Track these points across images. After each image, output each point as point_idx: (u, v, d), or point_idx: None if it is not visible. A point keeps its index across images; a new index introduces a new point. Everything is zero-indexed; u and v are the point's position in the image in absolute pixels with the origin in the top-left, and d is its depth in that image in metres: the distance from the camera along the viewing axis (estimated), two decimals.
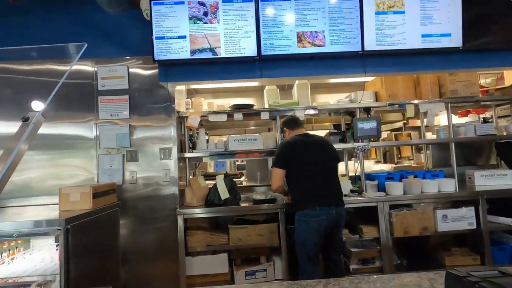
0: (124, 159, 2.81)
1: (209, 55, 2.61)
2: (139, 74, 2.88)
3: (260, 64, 2.72)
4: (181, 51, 2.60)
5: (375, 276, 1.16)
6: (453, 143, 2.99)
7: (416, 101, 3.01)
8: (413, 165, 4.48)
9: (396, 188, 2.75)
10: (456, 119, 3.83)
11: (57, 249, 2.16)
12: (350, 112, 3.30)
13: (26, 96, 2.70)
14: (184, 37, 2.60)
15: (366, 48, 2.64)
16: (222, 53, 2.61)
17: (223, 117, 2.95)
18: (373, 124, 2.86)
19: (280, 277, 2.63)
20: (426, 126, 3.42)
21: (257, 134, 3.01)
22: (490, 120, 3.45)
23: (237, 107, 3.00)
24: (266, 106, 3.18)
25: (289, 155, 2.29)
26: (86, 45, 1.08)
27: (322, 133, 3.68)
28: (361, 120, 2.89)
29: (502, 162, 3.38)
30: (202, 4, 2.60)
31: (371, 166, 4.56)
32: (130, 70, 2.87)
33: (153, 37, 2.60)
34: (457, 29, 2.66)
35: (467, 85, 2.99)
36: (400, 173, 3.01)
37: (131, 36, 2.87)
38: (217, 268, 2.64)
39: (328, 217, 2.16)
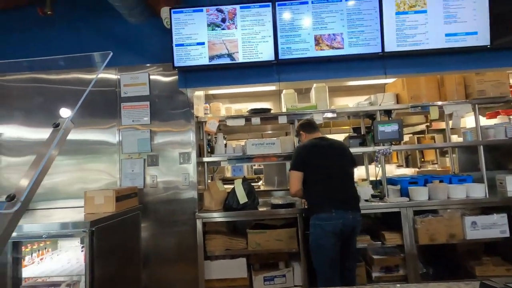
0: (145, 164, 2.88)
1: (227, 61, 2.65)
2: (159, 81, 2.96)
3: (278, 68, 2.72)
4: (199, 57, 2.65)
5: (400, 285, 1.12)
6: (481, 146, 2.84)
7: (440, 103, 2.90)
8: (437, 169, 4.29)
9: (420, 193, 2.64)
10: (484, 121, 3.64)
11: (82, 251, 2.24)
12: (370, 115, 3.23)
13: (54, 104, 2.84)
14: (203, 43, 2.65)
15: (387, 49, 2.57)
16: (240, 58, 2.64)
17: (241, 122, 2.97)
18: (394, 127, 2.78)
19: (299, 283, 2.58)
20: (451, 128, 3.27)
21: (275, 138, 3.00)
22: None
23: (255, 112, 3.01)
24: (284, 110, 3.16)
25: (306, 158, 2.27)
26: (111, 53, 1.12)
27: (340, 136, 3.62)
28: (381, 123, 2.81)
29: None
30: (220, 11, 2.64)
31: (392, 170, 4.41)
32: (151, 77, 2.96)
33: (173, 45, 2.66)
34: (484, 27, 2.54)
35: (496, 85, 2.84)
36: (424, 177, 2.89)
37: (152, 44, 2.97)
38: (235, 273, 2.64)
39: (344, 221, 2.11)
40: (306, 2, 2.61)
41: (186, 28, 2.66)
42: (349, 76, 2.75)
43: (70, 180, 2.89)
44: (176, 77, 2.87)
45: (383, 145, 2.84)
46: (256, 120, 2.97)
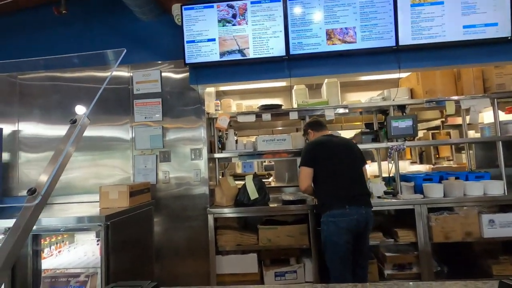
0: (157, 160, 2.93)
1: (237, 57, 2.64)
2: (171, 78, 2.99)
3: (289, 64, 2.70)
4: (210, 53, 2.66)
5: (414, 282, 1.10)
6: (500, 142, 2.74)
7: (456, 97, 2.81)
8: (453, 166, 4.18)
9: (435, 190, 2.58)
10: (503, 116, 3.51)
11: (98, 244, 2.30)
12: (383, 111, 3.16)
13: (70, 102, 2.92)
14: (214, 40, 2.65)
15: (401, 42, 2.51)
16: (251, 54, 2.63)
17: (252, 118, 2.97)
18: (408, 123, 2.72)
19: (311, 279, 2.58)
20: (468, 124, 3.17)
21: (286, 135, 2.99)
22: None
23: (266, 108, 3.00)
24: (295, 106, 3.14)
25: (316, 154, 2.25)
26: (125, 50, 1.14)
27: (352, 132, 3.57)
28: (395, 118, 2.75)
29: None
30: (231, 6, 2.63)
31: (406, 167, 4.33)
32: (163, 74, 2.99)
33: (184, 41, 2.68)
34: (505, 18, 2.44)
35: None
36: (439, 174, 2.82)
37: (163, 41, 2.99)
38: (246, 268, 2.66)
39: (358, 217, 2.10)
40: None
41: (197, 25, 2.67)
42: (362, 71, 2.70)
43: (86, 176, 2.96)
44: (187, 74, 2.89)
45: (397, 141, 2.79)
46: (266, 116, 2.96)
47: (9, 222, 2.03)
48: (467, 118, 3.01)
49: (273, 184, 3.93)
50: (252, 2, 2.62)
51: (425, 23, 2.50)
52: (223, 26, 2.64)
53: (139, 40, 3.05)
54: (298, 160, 3.17)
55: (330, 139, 2.34)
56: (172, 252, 2.86)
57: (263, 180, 3.03)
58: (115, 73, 3.02)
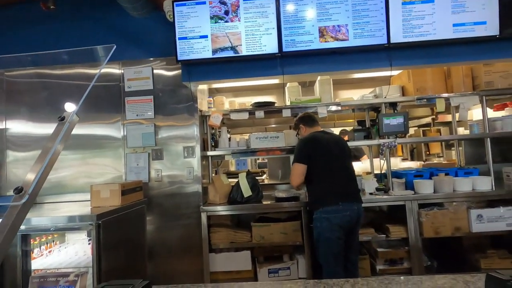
0: (149, 158, 2.90)
1: (230, 54, 2.63)
2: (163, 75, 2.96)
3: (282, 61, 2.69)
4: (203, 50, 2.64)
5: (405, 277, 1.12)
6: (488, 139, 2.80)
7: (446, 95, 2.85)
8: (443, 162, 4.25)
9: (426, 186, 2.62)
10: (491, 113, 3.58)
11: (89, 243, 2.27)
12: (375, 108, 3.19)
13: (59, 99, 2.86)
14: (206, 36, 2.63)
15: (392, 40, 2.53)
16: (243, 51, 2.61)
17: (245, 115, 2.96)
18: (400, 120, 2.75)
19: (304, 276, 2.60)
20: (458, 121, 3.23)
21: (279, 132, 2.99)
22: None
23: (259, 105, 2.99)
24: (288, 103, 3.14)
25: (311, 151, 2.25)
26: (115, 46, 1.12)
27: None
28: (387, 115, 2.78)
29: None
30: (223, 3, 2.61)
31: (397, 163, 4.38)
32: (154, 71, 2.96)
33: (176, 38, 2.65)
34: (493, 16, 2.48)
35: (505, 76, 2.79)
36: (429, 170, 2.87)
37: (155, 38, 2.95)
38: (240, 265, 2.66)
39: (351, 213, 2.14)
40: None
41: (189, 21, 2.64)
42: (354, 68, 2.71)
43: (76, 174, 2.92)
44: (179, 71, 2.86)
45: (388, 138, 2.82)
46: (259, 114, 2.96)
47: None
48: (457, 115, 3.06)
49: (266, 182, 3.94)
50: None
51: (416, 21, 2.52)
52: (215, 22, 2.62)
53: (130, 37, 3.01)
54: (291, 157, 3.19)
55: (323, 135, 2.35)
56: (165, 250, 2.85)
57: (257, 177, 3.03)
58: (106, 70, 2.97)
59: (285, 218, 2.73)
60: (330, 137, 2.38)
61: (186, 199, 2.86)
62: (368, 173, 3.26)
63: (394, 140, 2.81)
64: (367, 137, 3.00)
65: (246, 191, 2.69)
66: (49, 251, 2.36)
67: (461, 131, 3.85)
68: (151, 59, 2.97)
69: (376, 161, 3.30)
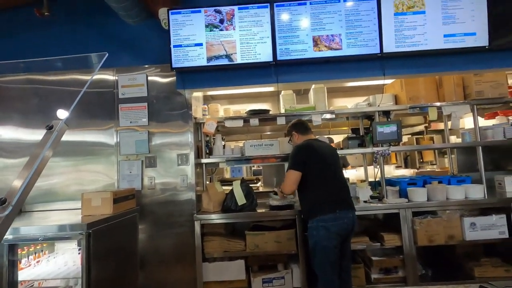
0: (143, 165, 2.87)
1: (225, 62, 2.64)
2: (157, 82, 2.95)
3: (276, 69, 2.71)
4: (197, 58, 2.64)
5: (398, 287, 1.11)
6: (480, 147, 2.84)
7: (439, 104, 2.89)
8: (436, 170, 4.29)
9: (419, 194, 2.63)
10: (482, 122, 3.64)
11: (79, 253, 2.22)
12: (369, 116, 3.22)
13: (52, 105, 2.81)
14: (201, 44, 2.64)
15: (385, 50, 2.57)
16: (238, 59, 2.63)
17: (239, 123, 2.96)
18: (393, 128, 2.77)
19: (298, 285, 2.57)
20: (450, 129, 3.27)
21: (273, 139, 2.99)
22: None
23: (253, 113, 2.99)
24: (282, 111, 3.16)
25: (306, 158, 2.24)
26: (107, 54, 1.11)
27: (339, 137, 3.61)
28: (380, 124, 2.80)
29: None
30: (218, 11, 2.63)
31: (391, 171, 4.41)
32: (149, 78, 2.95)
33: (171, 46, 2.65)
34: (482, 28, 2.54)
35: (494, 85, 2.84)
36: (423, 178, 2.88)
37: (150, 45, 2.96)
38: (234, 275, 2.62)
39: (347, 220, 2.14)
40: (304, 3, 2.61)
41: (184, 29, 2.65)
42: (348, 77, 2.74)
43: (67, 182, 2.87)
44: (174, 78, 2.85)
45: (382, 146, 2.84)
46: (254, 121, 2.96)
47: None
48: (449, 123, 3.10)
49: (261, 189, 3.92)
50: (239, 8, 2.63)
51: (408, 31, 2.57)
52: (210, 31, 2.64)
53: (125, 44, 3.00)
54: (286, 165, 3.18)
55: (317, 143, 2.36)
56: (157, 259, 2.79)
57: (252, 185, 3.02)
58: (100, 76, 2.95)
59: (279, 227, 2.70)
60: (324, 145, 2.40)
61: (179, 207, 2.83)
62: (362, 181, 3.27)
63: (388, 148, 2.82)
64: (361, 145, 3.01)
65: (240, 199, 2.67)
66: (37, 261, 2.30)
67: (454, 139, 3.90)
68: (146, 66, 2.97)
69: (370, 169, 3.32)
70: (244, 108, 3.44)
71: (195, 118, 2.97)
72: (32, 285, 2.04)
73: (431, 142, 4.51)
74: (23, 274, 2.11)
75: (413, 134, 4.95)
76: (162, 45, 2.78)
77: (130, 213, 2.58)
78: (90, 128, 2.91)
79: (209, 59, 2.64)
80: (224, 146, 3.07)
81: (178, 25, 2.65)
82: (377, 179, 2.98)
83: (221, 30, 2.63)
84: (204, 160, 2.99)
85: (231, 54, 2.63)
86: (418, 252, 2.57)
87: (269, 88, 3.00)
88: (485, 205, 2.60)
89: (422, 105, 2.90)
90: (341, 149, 3.08)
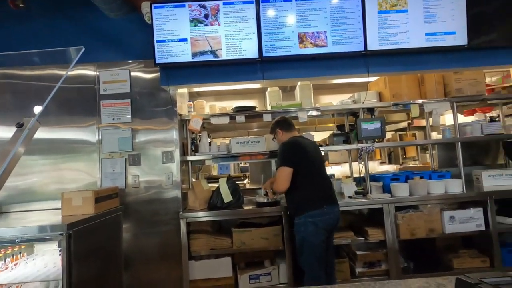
0: (126, 163, 2.80)
1: (210, 58, 2.60)
2: (140, 78, 2.88)
3: (262, 66, 2.70)
4: (182, 54, 2.59)
5: (380, 282, 1.13)
6: (459, 143, 2.93)
7: (420, 101, 2.97)
8: (418, 165, 4.41)
9: (401, 190, 2.70)
10: (462, 119, 3.77)
11: (60, 254, 2.15)
12: (354, 113, 3.27)
13: (29, 101, 2.71)
14: (185, 40, 2.59)
15: (369, 47, 2.60)
16: (224, 55, 2.60)
17: (226, 120, 2.94)
18: (377, 125, 2.82)
19: (285, 281, 2.59)
20: (431, 126, 3.36)
21: (260, 136, 2.98)
22: (497, 119, 3.39)
23: (239, 109, 2.98)
24: (269, 108, 3.15)
25: (295, 154, 2.25)
26: (83, 48, 1.07)
27: (325, 134, 3.64)
28: (365, 120, 2.85)
29: (510, 161, 3.31)
30: (203, 6, 2.59)
31: (375, 167, 4.50)
32: (132, 74, 2.87)
33: (154, 41, 2.59)
34: (461, 27, 2.61)
35: (473, 83, 2.94)
36: (405, 174, 2.96)
37: (133, 40, 2.88)
38: (220, 272, 2.61)
39: (333, 215, 2.19)
40: (290, 0, 2.60)
41: (168, 24, 2.59)
42: (333, 74, 2.77)
43: (47, 181, 2.76)
44: (158, 74, 2.79)
45: (366, 142, 2.89)
46: (240, 118, 2.94)
47: None
48: (430, 120, 3.19)
49: (248, 186, 3.92)
50: (224, 3, 2.59)
51: (391, 29, 2.61)
52: (195, 26, 2.59)
53: (107, 38, 2.91)
54: (273, 161, 3.19)
55: (303, 140, 2.39)
56: (142, 259, 2.75)
57: (239, 182, 3.01)
58: (80, 71, 2.85)
59: (266, 223, 2.71)
60: (308, 142, 2.42)
61: (164, 205, 2.79)
62: (347, 177, 3.32)
63: (372, 144, 2.88)
64: (346, 141, 3.06)
65: (227, 196, 2.66)
66: (15, 264, 2.21)
67: (435, 135, 4.02)
68: (129, 61, 2.89)
69: (355, 165, 3.37)
70: (230, 105, 3.41)
71: (180, 115, 2.92)
72: None
73: (414, 139, 4.62)
74: (0, 277, 2.02)
75: (396, 130, 5.06)
76: (145, 40, 2.71)
77: (114, 212, 2.52)
78: (70, 125, 2.81)
79: (194, 55, 2.60)
80: (210, 143, 3.04)
81: (161, 20, 2.59)
82: (361, 175, 3.04)
83: (206, 25, 2.59)
84: (189, 158, 2.96)
85: (217, 50, 2.59)
86: (400, 245, 2.65)
87: (256, 85, 2.99)
88: (464, 199, 2.70)
89: (404, 102, 2.97)
90: (327, 145, 3.11)
